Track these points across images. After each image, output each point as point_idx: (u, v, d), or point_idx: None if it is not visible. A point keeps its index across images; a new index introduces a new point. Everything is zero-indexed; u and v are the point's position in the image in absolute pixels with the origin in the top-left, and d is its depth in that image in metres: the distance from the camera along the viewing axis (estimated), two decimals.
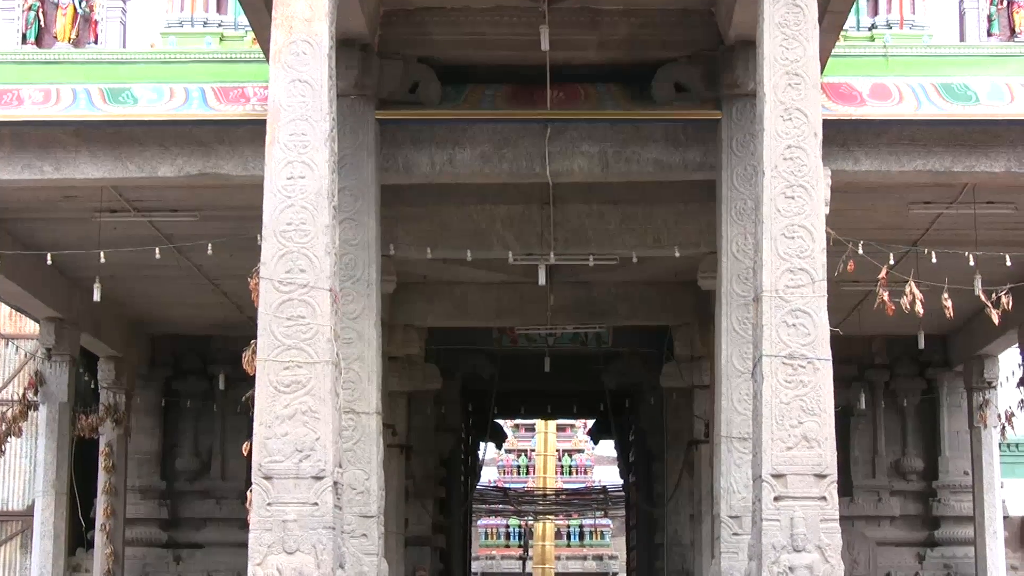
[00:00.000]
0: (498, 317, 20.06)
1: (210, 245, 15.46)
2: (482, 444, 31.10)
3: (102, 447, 21.30)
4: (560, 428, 46.31)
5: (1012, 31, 15.90)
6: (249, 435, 11.07)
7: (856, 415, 22.95)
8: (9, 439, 19.73)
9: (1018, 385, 19.75)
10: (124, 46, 15.94)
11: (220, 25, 16.69)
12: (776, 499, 10.74)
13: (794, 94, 11.18)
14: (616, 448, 33.78)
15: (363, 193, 13.23)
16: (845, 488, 21.80)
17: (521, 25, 13.51)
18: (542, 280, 16.37)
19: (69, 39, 15.85)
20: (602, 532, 46.36)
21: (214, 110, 14.02)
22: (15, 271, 17.25)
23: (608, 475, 44.04)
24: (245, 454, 11.42)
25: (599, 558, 45.92)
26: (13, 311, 21.45)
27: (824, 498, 10.76)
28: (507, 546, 45.99)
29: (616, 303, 19.43)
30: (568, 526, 46.32)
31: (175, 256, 16.98)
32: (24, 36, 15.99)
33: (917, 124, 13.96)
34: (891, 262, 14.21)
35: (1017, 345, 19.84)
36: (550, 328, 21.34)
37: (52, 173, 14.39)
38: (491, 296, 19.29)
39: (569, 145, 14.27)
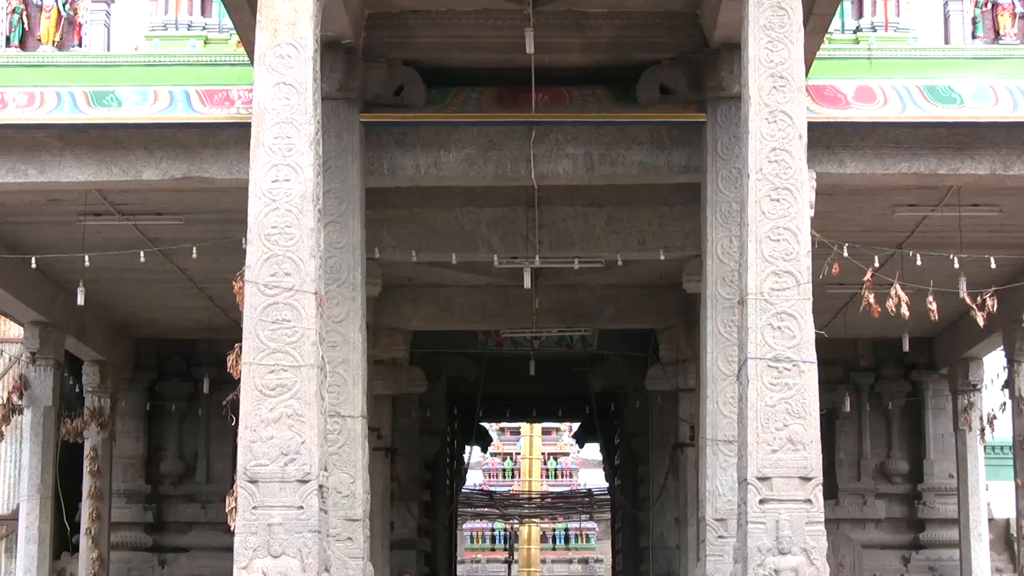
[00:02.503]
0: (483, 320, 20.06)
1: (195, 249, 15.42)
2: (467, 447, 31.09)
3: (87, 451, 21.26)
4: (545, 431, 46.32)
5: (996, 33, 15.91)
6: (234, 438, 11.06)
7: (841, 418, 22.98)
8: None
9: (1003, 388, 19.80)
10: (108, 49, 15.90)
11: (204, 28, 16.64)
12: (761, 502, 10.75)
13: (779, 96, 11.19)
14: (601, 451, 33.79)
15: (348, 196, 13.22)
16: (830, 491, 21.82)
17: (506, 28, 13.51)
18: (527, 283, 16.38)
19: (53, 42, 15.80)
20: (587, 535, 46.36)
21: (199, 113, 14.01)
22: None
23: (593, 478, 44.06)
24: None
25: (584, 561, 45.92)
26: None
27: (809, 501, 10.77)
28: (492, 549, 45.99)
29: (601, 306, 19.43)
30: (553, 529, 46.32)
31: (160, 260, 16.97)
32: (8, 39, 15.92)
33: (902, 126, 13.98)
34: (876, 264, 14.23)
35: (1002, 347, 19.89)
36: (535, 331, 21.35)
37: (36, 176, 14.36)
38: (476, 299, 19.29)
39: (554, 148, 14.28)
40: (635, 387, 23.77)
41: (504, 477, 46.77)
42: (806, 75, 11.77)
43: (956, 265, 14.74)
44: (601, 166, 14.33)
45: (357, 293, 13.16)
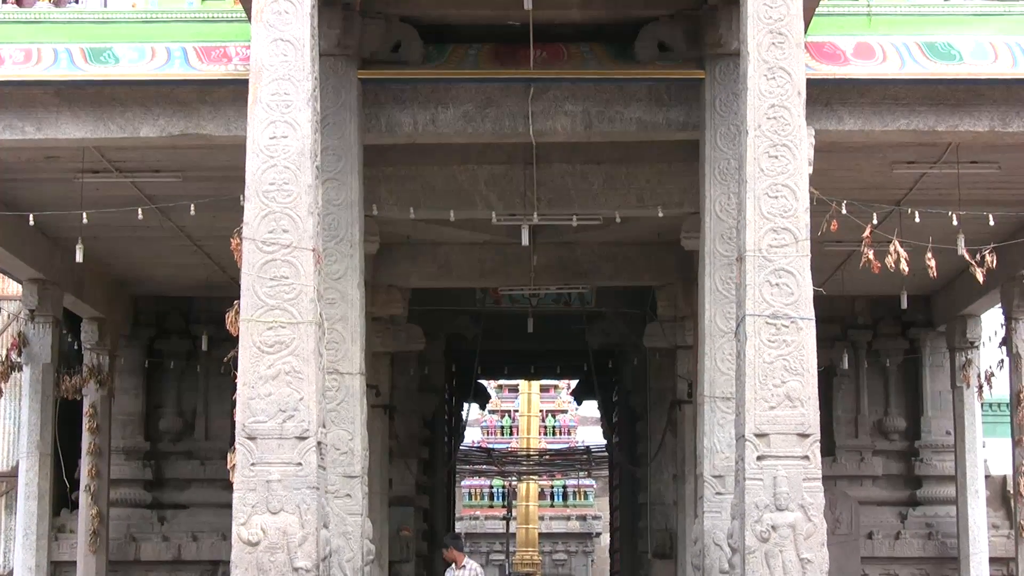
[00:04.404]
0: (481, 277, 20.06)
1: (193, 206, 15.42)
2: (466, 405, 31.13)
3: (86, 408, 21.28)
4: (543, 389, 46.37)
5: None
6: (232, 395, 11.08)
7: (839, 375, 23.03)
8: None
9: (1000, 345, 19.83)
10: (105, 5, 15.80)
11: None
12: (759, 458, 10.79)
13: (778, 53, 11.18)
14: (599, 408, 33.85)
15: (346, 153, 13.20)
16: (828, 447, 21.87)
17: None
18: (525, 240, 16.36)
19: None
20: (585, 492, 46.47)
21: (196, 70, 13.94)
22: None
23: (591, 435, 44.14)
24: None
25: (582, 518, 46.05)
26: None
27: (807, 457, 10.81)
28: (491, 506, 46.09)
29: (599, 263, 19.42)
30: (552, 486, 46.42)
31: (158, 217, 16.95)
32: None
33: (901, 83, 13.93)
34: (874, 222, 14.23)
35: (1000, 305, 19.90)
36: (533, 288, 21.35)
37: (34, 133, 14.32)
38: (474, 256, 19.28)
39: (552, 105, 14.23)
40: (633, 344, 23.79)
41: (502, 434, 46.83)
42: (805, 31, 11.74)
43: (955, 222, 14.72)
44: (599, 123, 14.29)
45: (355, 250, 13.15)
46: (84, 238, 16.04)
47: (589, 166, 16.21)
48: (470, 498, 46.27)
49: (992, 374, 20.19)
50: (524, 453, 44.86)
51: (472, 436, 43.37)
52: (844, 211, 13.89)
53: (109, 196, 16.25)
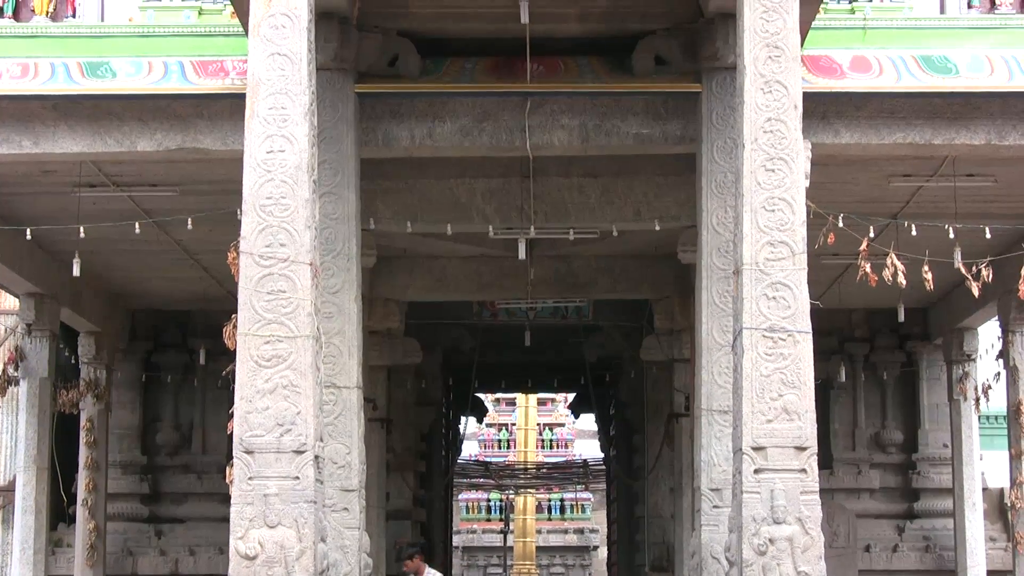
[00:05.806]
0: (478, 291, 20.06)
1: (190, 220, 15.42)
2: (463, 418, 31.13)
3: (83, 422, 21.27)
4: (541, 402, 46.38)
5: (992, 3, 15.88)
6: (229, 408, 11.08)
7: (836, 388, 23.04)
8: None
9: (997, 358, 19.83)
10: (102, 20, 15.84)
11: None
12: (756, 471, 10.79)
13: (774, 66, 11.18)
14: (596, 422, 33.84)
15: (343, 167, 13.21)
16: (825, 460, 21.87)
17: None
18: (522, 254, 16.37)
19: (47, 12, 15.75)
20: (583, 505, 46.45)
21: (193, 84, 13.96)
22: None
23: (589, 449, 44.11)
24: (229, 431, 11.38)
25: (580, 531, 46.02)
26: None
27: (804, 470, 10.81)
28: (488, 520, 46.05)
29: (596, 276, 19.43)
30: (549, 500, 46.39)
31: (155, 231, 16.95)
32: (1, 10, 15.90)
33: (897, 96, 13.95)
34: (871, 235, 14.24)
35: (997, 318, 19.91)
36: (530, 301, 21.36)
37: (30, 147, 14.33)
38: (471, 270, 19.29)
39: (549, 118, 14.24)
40: (630, 357, 23.80)
41: (499, 448, 46.83)
42: (801, 45, 11.74)
43: (951, 235, 14.75)
44: (596, 137, 14.31)
45: (352, 264, 13.16)
46: (81, 252, 16.04)
47: (586, 179, 16.22)
48: (467, 511, 46.25)
49: (989, 387, 20.19)
50: (521, 466, 44.84)
51: (469, 449, 43.36)
52: (841, 224, 13.92)
53: (106, 210, 16.25)
